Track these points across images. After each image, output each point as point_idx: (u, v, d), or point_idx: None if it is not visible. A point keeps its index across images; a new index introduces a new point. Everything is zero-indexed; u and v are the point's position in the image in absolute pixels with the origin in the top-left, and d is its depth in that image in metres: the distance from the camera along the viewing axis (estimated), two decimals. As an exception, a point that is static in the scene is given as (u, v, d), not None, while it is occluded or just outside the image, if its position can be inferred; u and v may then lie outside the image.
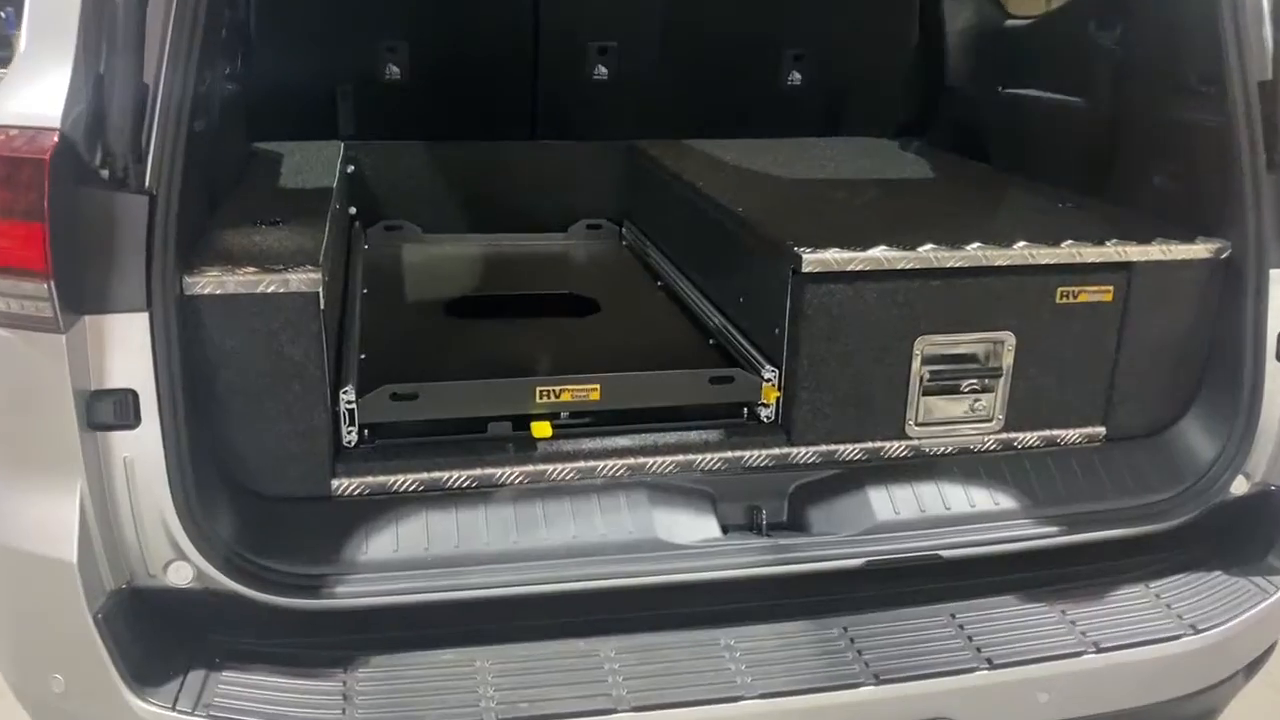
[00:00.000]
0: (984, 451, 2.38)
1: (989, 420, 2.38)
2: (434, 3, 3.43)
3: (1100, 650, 2.10)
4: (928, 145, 3.61)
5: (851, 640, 2.10)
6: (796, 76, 3.71)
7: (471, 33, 3.48)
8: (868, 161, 3.37)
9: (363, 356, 2.40)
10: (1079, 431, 2.43)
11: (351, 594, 1.98)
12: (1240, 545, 2.38)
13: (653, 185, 3.37)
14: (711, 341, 2.66)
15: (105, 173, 1.80)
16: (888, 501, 2.25)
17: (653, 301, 3.02)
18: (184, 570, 1.92)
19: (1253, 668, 2.36)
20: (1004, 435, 2.39)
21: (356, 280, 2.93)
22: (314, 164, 3.03)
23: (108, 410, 1.82)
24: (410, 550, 2.04)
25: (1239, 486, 2.35)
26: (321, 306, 2.01)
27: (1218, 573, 2.34)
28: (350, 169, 3.38)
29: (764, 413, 2.36)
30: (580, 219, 3.69)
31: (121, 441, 1.84)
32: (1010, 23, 3.53)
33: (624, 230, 3.67)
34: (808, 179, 3.06)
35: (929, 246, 2.24)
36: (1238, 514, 2.37)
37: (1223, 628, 2.17)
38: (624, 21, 3.55)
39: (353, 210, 3.44)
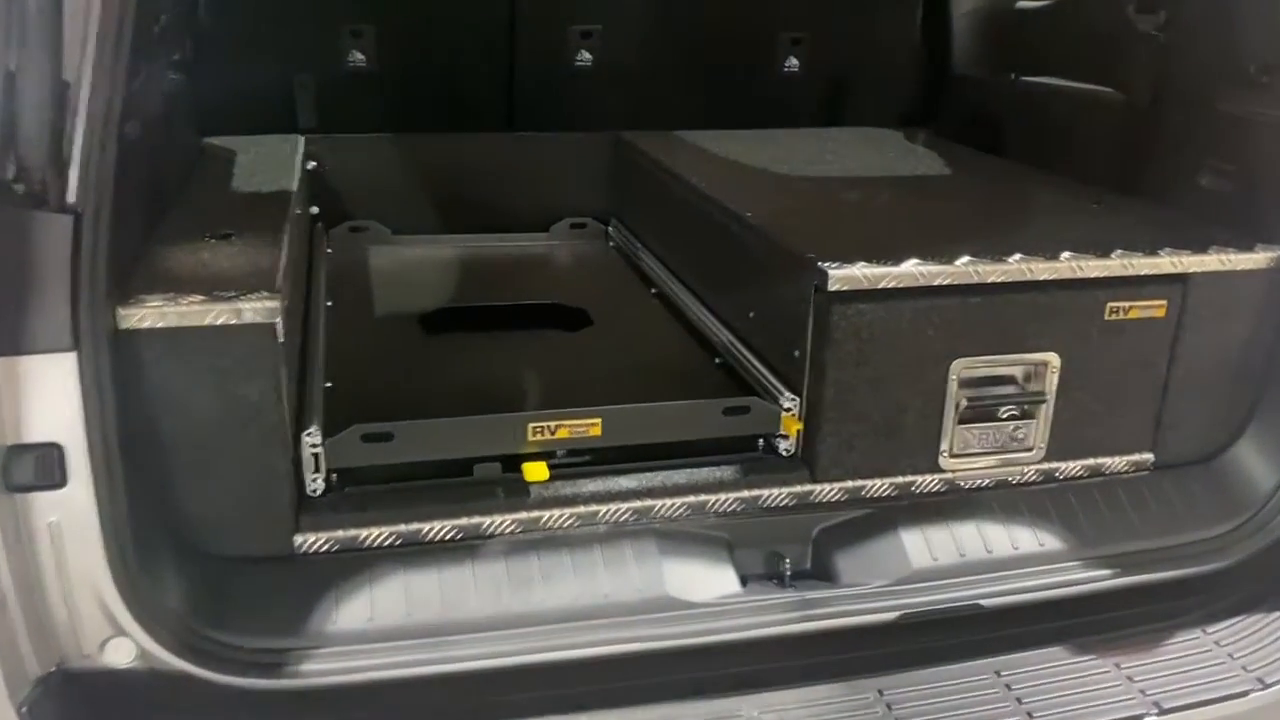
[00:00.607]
0: (1024, 484, 2.16)
1: (1030, 449, 2.15)
2: None
3: (1163, 712, 1.88)
4: (935, 136, 3.37)
5: (889, 706, 1.87)
6: (794, 62, 3.46)
7: (443, 14, 3.19)
8: (876, 155, 3.12)
9: (329, 385, 2.13)
10: (1125, 459, 2.22)
11: (321, 672, 1.72)
12: None
13: (643, 182, 3.11)
14: (718, 361, 2.41)
15: (19, 188, 1.51)
16: (923, 545, 2.02)
17: (649, 313, 2.77)
18: (124, 648, 1.66)
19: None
20: (1045, 465, 2.17)
21: (319, 291, 2.65)
22: (270, 162, 2.74)
23: (27, 469, 1.54)
24: (387, 618, 1.78)
25: None
26: (280, 338, 1.73)
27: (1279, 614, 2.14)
28: (311, 165, 3.08)
29: (783, 446, 2.11)
30: (564, 218, 3.43)
31: (46, 504, 1.56)
32: (1023, 4, 3.29)
33: (611, 230, 3.41)
34: (816, 176, 2.82)
35: (967, 259, 2.01)
36: None
37: None
38: (608, 5, 3.27)
39: (315, 210, 3.15)
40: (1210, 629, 2.10)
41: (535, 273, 3.14)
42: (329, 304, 2.63)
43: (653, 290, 2.91)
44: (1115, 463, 2.21)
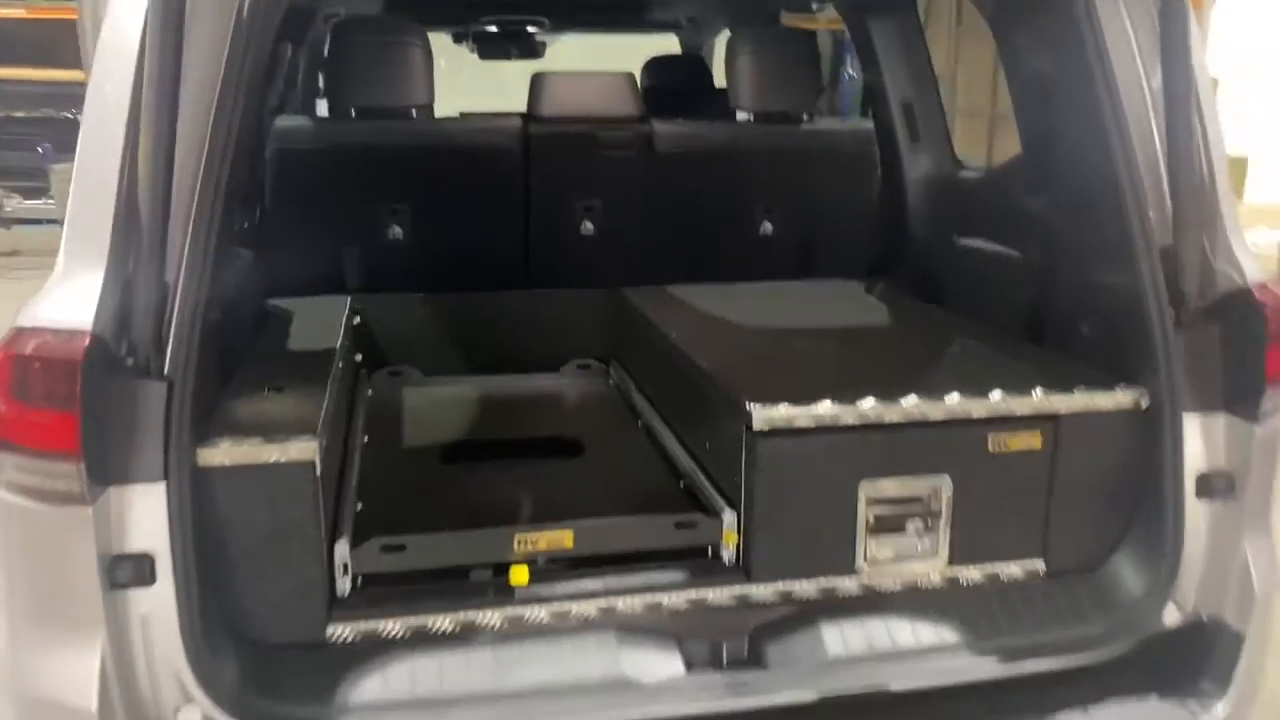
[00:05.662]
0: (930, 586, 2.57)
1: (934, 557, 2.57)
2: (432, 170, 3.76)
3: None
4: (891, 287, 3.87)
5: None
6: (768, 227, 4.01)
7: (467, 195, 3.81)
8: (830, 307, 3.62)
9: (360, 508, 2.64)
10: (1020, 567, 2.62)
11: None
12: (1176, 674, 2.54)
13: (634, 331, 3.64)
14: (682, 483, 2.89)
15: (130, 362, 2.07)
16: (839, 637, 2.44)
17: (633, 443, 3.26)
18: (192, 714, 2.11)
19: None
20: (949, 571, 2.58)
21: (358, 429, 3.19)
22: (320, 323, 3.31)
23: (127, 572, 2.04)
24: (397, 693, 2.24)
25: (1171, 617, 2.52)
26: (318, 473, 2.25)
27: (1153, 697, 2.50)
28: (356, 320, 3.67)
29: (725, 554, 2.57)
30: (571, 359, 3.97)
31: (139, 599, 2.06)
32: (963, 174, 3.82)
33: (611, 370, 3.93)
34: (770, 328, 3.32)
35: (870, 402, 2.47)
36: (1173, 645, 2.53)
37: None
38: (606, 184, 3.88)
39: (359, 358, 3.72)
40: (1090, 709, 2.46)
41: (544, 408, 3.66)
42: (365, 439, 3.16)
43: (640, 423, 3.41)
44: (1011, 569, 2.62)
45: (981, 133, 10.13)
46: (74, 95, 11.38)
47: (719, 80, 4.46)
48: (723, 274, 3.92)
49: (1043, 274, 3.04)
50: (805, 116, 3.96)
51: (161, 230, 2.05)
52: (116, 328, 2.04)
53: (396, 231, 3.80)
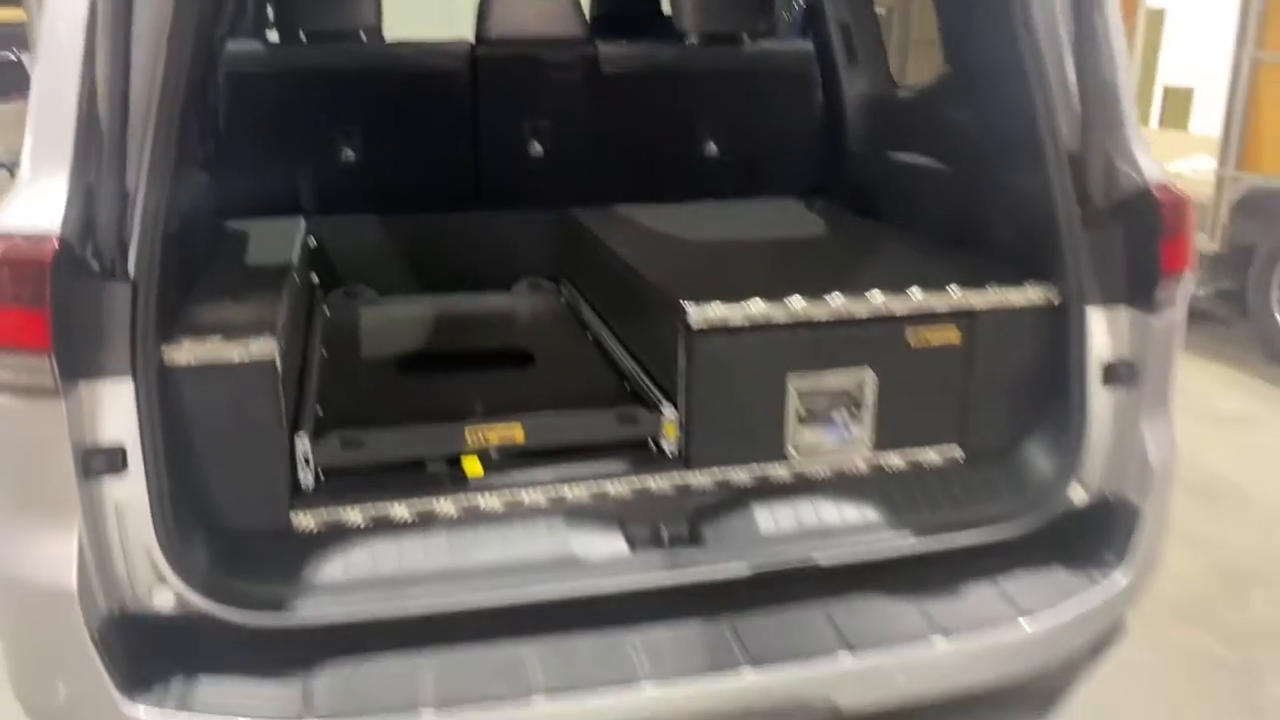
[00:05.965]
0: (855, 472, 2.77)
1: (858, 444, 2.77)
2: (383, 93, 3.85)
3: (946, 634, 2.48)
4: (829, 204, 4.03)
5: (737, 634, 2.47)
6: (713, 147, 4.15)
7: (417, 118, 3.91)
8: (768, 222, 3.78)
9: (320, 412, 2.78)
10: (939, 453, 2.83)
11: (310, 609, 2.34)
12: (1080, 547, 2.76)
13: (583, 249, 3.78)
14: (627, 385, 3.05)
15: (95, 264, 2.19)
16: (771, 518, 2.63)
17: (582, 352, 3.42)
18: (165, 594, 2.26)
19: (1095, 650, 2.74)
20: (872, 457, 2.78)
21: (316, 345, 3.32)
22: (275, 241, 3.42)
23: (101, 462, 2.18)
24: (358, 573, 2.41)
25: (1078, 495, 2.73)
26: (278, 371, 2.39)
27: (1058, 567, 2.72)
28: (311, 242, 3.78)
29: (666, 445, 2.74)
30: (522, 278, 4.11)
31: (112, 487, 2.20)
32: (897, 92, 3.97)
33: (561, 287, 4.08)
34: (710, 241, 3.48)
35: (799, 301, 2.64)
36: (1079, 521, 2.75)
37: (1051, 611, 2.56)
38: (554, 105, 3.99)
39: (314, 278, 3.84)
40: (999, 580, 2.67)
41: (496, 324, 3.81)
42: (324, 355, 3.30)
43: (589, 335, 3.56)
44: (930, 455, 2.82)
45: (934, 59, 10.32)
46: (14, 35, 11.20)
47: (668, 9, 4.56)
48: (669, 193, 4.06)
49: (966, 183, 3.22)
50: (747, 38, 4.08)
51: (121, 138, 2.16)
52: (82, 232, 2.16)
53: (349, 154, 3.90)
